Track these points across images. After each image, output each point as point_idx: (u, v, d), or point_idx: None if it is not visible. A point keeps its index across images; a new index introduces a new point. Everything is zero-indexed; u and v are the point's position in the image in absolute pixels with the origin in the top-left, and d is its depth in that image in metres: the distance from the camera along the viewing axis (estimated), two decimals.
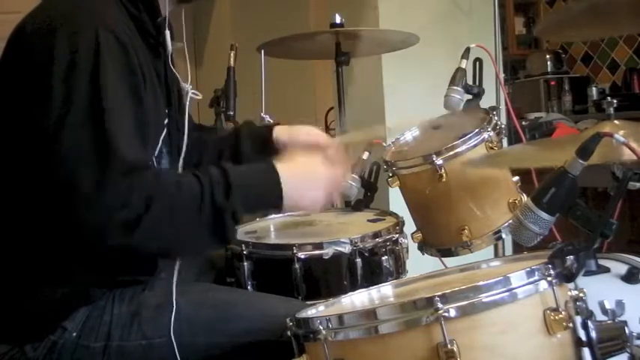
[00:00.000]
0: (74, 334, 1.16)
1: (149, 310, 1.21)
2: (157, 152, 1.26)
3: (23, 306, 1.16)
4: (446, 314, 0.88)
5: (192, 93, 1.34)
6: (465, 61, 1.65)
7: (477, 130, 1.49)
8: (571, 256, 0.96)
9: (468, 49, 1.67)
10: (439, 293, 0.89)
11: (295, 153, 1.31)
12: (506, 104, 2.32)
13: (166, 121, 1.32)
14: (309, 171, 1.27)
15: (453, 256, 1.57)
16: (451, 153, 1.47)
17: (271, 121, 1.89)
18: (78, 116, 1.04)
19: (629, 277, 1.30)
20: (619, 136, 0.99)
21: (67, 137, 1.03)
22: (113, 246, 1.03)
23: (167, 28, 1.25)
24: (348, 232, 1.56)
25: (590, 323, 0.92)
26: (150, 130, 1.20)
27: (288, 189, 1.19)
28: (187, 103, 1.33)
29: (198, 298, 1.29)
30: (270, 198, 1.19)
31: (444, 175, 1.46)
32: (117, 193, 1.02)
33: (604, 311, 0.96)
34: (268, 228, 1.76)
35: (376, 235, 1.50)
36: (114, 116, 1.06)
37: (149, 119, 1.18)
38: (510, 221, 1.11)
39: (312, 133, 1.60)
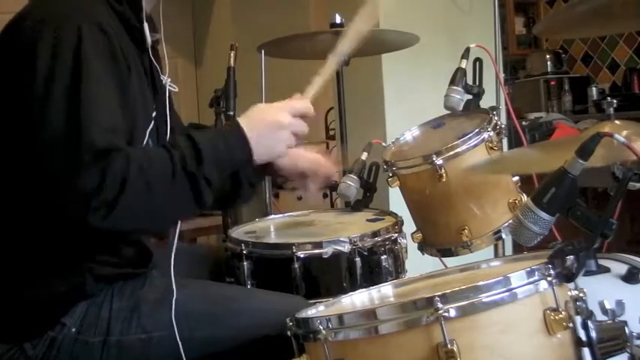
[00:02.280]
0: (73, 329, 1.17)
1: (148, 305, 1.22)
2: (144, 144, 1.27)
3: (21, 304, 1.16)
4: (446, 314, 0.88)
5: (170, 86, 1.35)
6: (465, 61, 1.65)
7: (477, 130, 1.49)
8: (571, 256, 0.96)
9: (468, 49, 1.67)
10: (439, 293, 0.89)
11: (256, 106, 1.31)
12: (506, 104, 2.32)
13: (154, 114, 1.34)
14: (271, 120, 1.27)
15: (453, 256, 1.57)
16: (451, 153, 1.47)
17: None
18: (56, 105, 1.06)
19: (629, 277, 1.30)
20: (619, 136, 0.99)
21: (45, 126, 1.06)
22: (96, 227, 1.05)
23: (145, 21, 1.27)
24: (348, 231, 1.56)
25: (590, 323, 0.92)
26: (137, 117, 1.21)
27: (255, 143, 1.21)
28: (167, 95, 1.33)
29: (198, 292, 1.31)
30: (240, 156, 1.21)
31: (444, 175, 1.46)
32: (90, 178, 1.04)
33: (604, 311, 0.96)
34: (268, 228, 1.76)
35: (375, 234, 1.50)
36: (90, 103, 1.07)
37: (136, 107, 1.20)
38: (510, 221, 1.11)
39: (313, 160, 1.56)
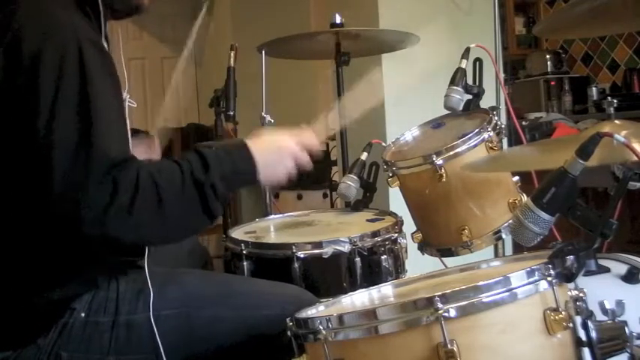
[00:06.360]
0: (82, 314, 1.19)
1: (154, 286, 1.24)
2: None
3: (36, 308, 1.17)
4: (446, 314, 0.88)
5: (129, 102, 1.36)
6: (465, 61, 1.65)
7: (477, 130, 1.49)
8: (571, 256, 0.96)
9: (468, 49, 1.67)
10: (439, 293, 0.89)
11: (265, 130, 1.37)
12: (506, 104, 2.33)
13: None
14: (279, 145, 1.30)
15: (453, 256, 1.57)
16: (451, 153, 1.47)
17: (272, 121, 1.89)
18: (66, 117, 1.07)
19: (629, 277, 1.30)
20: (619, 136, 0.99)
21: (55, 139, 1.07)
22: (116, 237, 1.08)
23: (105, 40, 1.28)
24: (348, 231, 1.56)
25: (590, 323, 0.92)
26: None
27: (260, 164, 1.24)
28: (126, 111, 1.35)
29: (203, 275, 1.36)
30: (246, 173, 1.23)
31: (444, 175, 1.46)
32: (103, 188, 1.07)
33: (604, 311, 0.95)
34: (268, 228, 1.76)
35: (375, 234, 1.50)
36: (101, 115, 1.10)
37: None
38: (510, 221, 1.11)
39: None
